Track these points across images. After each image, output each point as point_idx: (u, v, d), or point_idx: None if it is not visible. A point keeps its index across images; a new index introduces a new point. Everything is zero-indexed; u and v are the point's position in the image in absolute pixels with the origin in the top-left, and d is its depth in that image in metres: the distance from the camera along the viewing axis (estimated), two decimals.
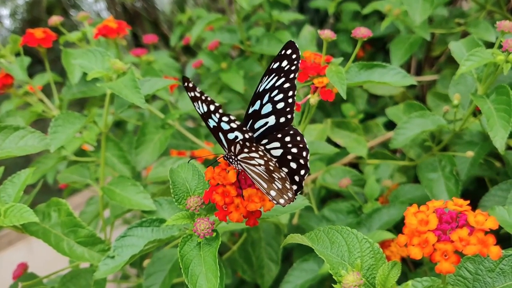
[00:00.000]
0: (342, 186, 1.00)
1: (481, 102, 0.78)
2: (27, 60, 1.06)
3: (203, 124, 1.70)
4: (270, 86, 0.59)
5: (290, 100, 0.59)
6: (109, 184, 0.83)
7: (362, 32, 0.75)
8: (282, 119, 0.59)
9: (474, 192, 1.22)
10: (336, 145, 1.20)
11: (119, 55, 1.13)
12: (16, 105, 1.16)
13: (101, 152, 0.83)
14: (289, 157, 0.57)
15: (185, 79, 0.53)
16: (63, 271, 0.84)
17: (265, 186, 0.54)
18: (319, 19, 1.98)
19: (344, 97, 0.74)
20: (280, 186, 0.54)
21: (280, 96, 0.59)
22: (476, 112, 0.93)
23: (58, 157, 0.97)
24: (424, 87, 1.62)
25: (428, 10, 1.01)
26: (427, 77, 1.48)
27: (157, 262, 0.78)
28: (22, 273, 0.91)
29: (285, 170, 0.57)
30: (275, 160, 0.54)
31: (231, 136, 0.56)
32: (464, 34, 1.31)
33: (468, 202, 0.44)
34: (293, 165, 0.57)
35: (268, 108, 0.59)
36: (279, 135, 0.58)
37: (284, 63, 0.58)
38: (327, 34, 0.76)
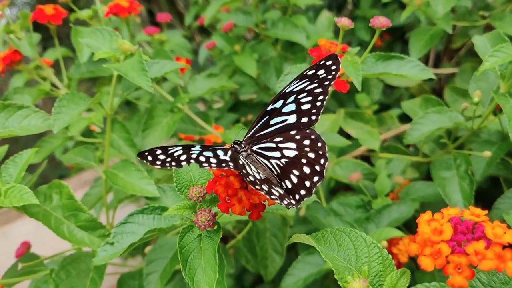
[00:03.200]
0: (352, 181, 0.97)
1: (503, 100, 0.75)
2: (36, 36, 1.04)
3: (214, 107, 1.68)
4: (299, 89, 0.57)
5: (318, 104, 0.57)
6: (112, 168, 0.81)
7: (380, 21, 0.72)
8: (305, 119, 0.57)
9: (488, 191, 1.19)
10: (348, 135, 1.17)
11: (130, 33, 1.10)
12: (26, 80, 1.15)
13: (106, 135, 0.81)
14: (304, 160, 0.54)
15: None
16: (66, 252, 0.83)
17: (266, 189, 0.51)
18: (337, 4, 1.94)
19: (359, 89, 0.72)
20: (290, 185, 0.52)
21: (309, 98, 0.57)
22: (496, 111, 0.89)
23: (65, 137, 0.95)
24: (442, 80, 1.58)
25: (451, 1, 0.97)
26: (445, 70, 1.43)
27: (159, 249, 0.77)
28: (25, 252, 0.90)
29: (296, 173, 0.54)
30: (285, 160, 0.54)
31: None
32: (487, 27, 1.26)
33: (486, 212, 0.41)
34: (307, 169, 0.54)
35: (291, 107, 0.58)
36: (298, 137, 0.56)
37: (321, 71, 0.57)
38: (344, 22, 0.73)
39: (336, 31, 1.54)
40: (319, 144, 0.55)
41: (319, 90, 0.57)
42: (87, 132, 1.08)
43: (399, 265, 0.89)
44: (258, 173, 0.53)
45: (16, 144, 0.76)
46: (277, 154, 0.56)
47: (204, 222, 0.53)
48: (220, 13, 1.53)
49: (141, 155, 0.50)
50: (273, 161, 0.55)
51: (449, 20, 1.10)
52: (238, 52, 1.36)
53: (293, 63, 1.36)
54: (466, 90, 1.03)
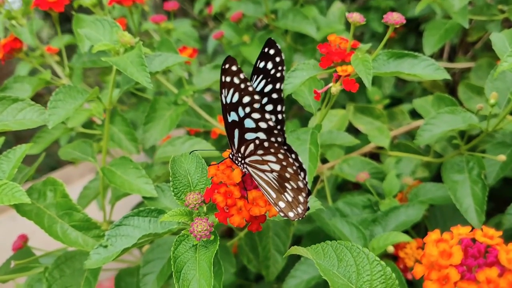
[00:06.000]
0: (359, 180, 0.94)
1: None
2: (38, 23, 1.01)
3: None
4: (260, 90, 0.52)
5: (279, 116, 0.52)
6: (110, 165, 0.78)
7: (394, 18, 0.68)
8: (272, 139, 0.51)
9: (500, 191, 1.15)
10: (357, 131, 1.14)
11: (134, 23, 1.07)
12: (31, 68, 1.12)
13: (105, 130, 0.78)
14: (288, 175, 0.50)
15: (228, 60, 0.46)
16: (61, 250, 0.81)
17: (274, 196, 0.48)
18: None
19: (369, 88, 0.68)
20: (290, 199, 0.48)
21: (270, 107, 0.52)
22: None
23: (65, 128, 0.93)
24: (457, 74, 1.53)
25: None
26: (460, 64, 1.39)
27: (157, 249, 0.75)
28: (22, 245, 0.89)
29: (290, 186, 0.50)
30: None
31: (250, 135, 0.49)
32: (505, 21, 1.21)
33: (501, 233, 0.38)
34: (294, 184, 0.50)
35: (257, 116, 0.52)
36: (272, 150, 0.50)
37: (269, 65, 0.51)
38: (355, 18, 0.69)
39: (348, 23, 1.49)
40: (293, 155, 0.50)
41: (275, 96, 0.51)
42: (89, 123, 1.06)
43: (405, 269, 0.86)
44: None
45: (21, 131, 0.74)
46: (267, 167, 0.50)
47: (200, 232, 0.50)
48: (230, 1, 1.49)
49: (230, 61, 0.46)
50: (268, 174, 0.51)
51: (466, 14, 1.05)
52: (247, 43, 1.32)
53: (303, 55, 1.33)
54: (481, 88, 0.99)
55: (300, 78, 0.74)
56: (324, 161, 1.10)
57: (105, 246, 0.59)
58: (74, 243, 0.67)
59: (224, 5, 1.48)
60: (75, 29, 0.91)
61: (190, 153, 0.58)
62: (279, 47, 0.51)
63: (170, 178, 0.55)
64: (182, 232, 0.53)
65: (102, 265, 0.60)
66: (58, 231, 0.67)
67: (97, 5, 1.00)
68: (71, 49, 1.19)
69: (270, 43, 0.51)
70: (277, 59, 0.51)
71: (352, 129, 1.17)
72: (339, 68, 0.70)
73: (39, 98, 0.72)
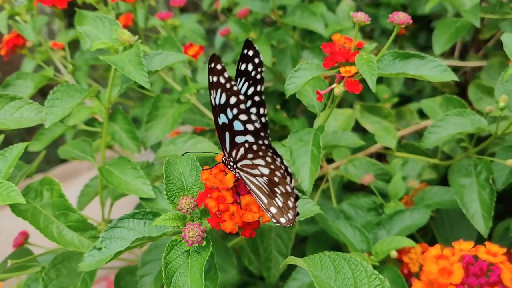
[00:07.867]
0: (364, 183, 0.92)
1: None
2: (42, 19, 1.00)
3: None
4: (244, 93, 0.51)
5: (263, 119, 0.51)
6: (108, 164, 0.77)
7: (400, 18, 0.66)
8: (260, 142, 0.49)
9: (510, 192, 1.13)
10: (364, 130, 1.12)
11: (138, 19, 1.06)
12: (37, 64, 1.12)
13: (103, 130, 0.77)
14: (276, 179, 0.48)
15: (213, 59, 0.45)
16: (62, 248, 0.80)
17: (265, 201, 0.47)
18: None
19: (374, 90, 0.66)
20: (280, 204, 0.46)
21: (254, 110, 0.51)
22: None
23: (66, 126, 0.92)
24: (468, 72, 1.50)
25: None
26: (472, 63, 1.36)
27: (155, 250, 0.74)
28: (22, 242, 0.88)
29: (279, 191, 0.49)
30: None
31: (239, 139, 0.48)
32: None
33: (504, 250, 0.36)
34: (283, 189, 0.49)
35: (243, 118, 0.50)
36: (260, 153, 0.49)
37: (250, 67, 0.50)
38: (360, 17, 0.67)
39: None
40: (278, 159, 0.48)
41: (257, 98, 0.50)
42: (92, 120, 1.05)
43: (409, 274, 0.84)
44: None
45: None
46: (257, 172, 0.49)
47: (192, 237, 0.49)
48: None
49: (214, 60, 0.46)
50: (259, 178, 0.49)
51: (477, 13, 1.02)
52: (254, 39, 1.30)
53: (311, 52, 1.30)
54: (492, 88, 0.96)
55: (303, 78, 0.72)
56: (330, 161, 1.08)
57: (99, 249, 0.58)
58: (70, 244, 0.66)
59: (231, 0, 1.45)
60: (77, 25, 0.90)
61: (182, 155, 0.57)
62: (257, 48, 0.50)
63: (164, 181, 0.54)
64: (174, 237, 0.52)
65: (96, 268, 0.59)
66: (54, 231, 0.66)
67: (100, 1, 0.99)
68: (78, 44, 1.18)
69: (248, 44, 0.50)
70: (256, 60, 0.50)
71: (359, 128, 1.15)
72: (342, 69, 0.68)
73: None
